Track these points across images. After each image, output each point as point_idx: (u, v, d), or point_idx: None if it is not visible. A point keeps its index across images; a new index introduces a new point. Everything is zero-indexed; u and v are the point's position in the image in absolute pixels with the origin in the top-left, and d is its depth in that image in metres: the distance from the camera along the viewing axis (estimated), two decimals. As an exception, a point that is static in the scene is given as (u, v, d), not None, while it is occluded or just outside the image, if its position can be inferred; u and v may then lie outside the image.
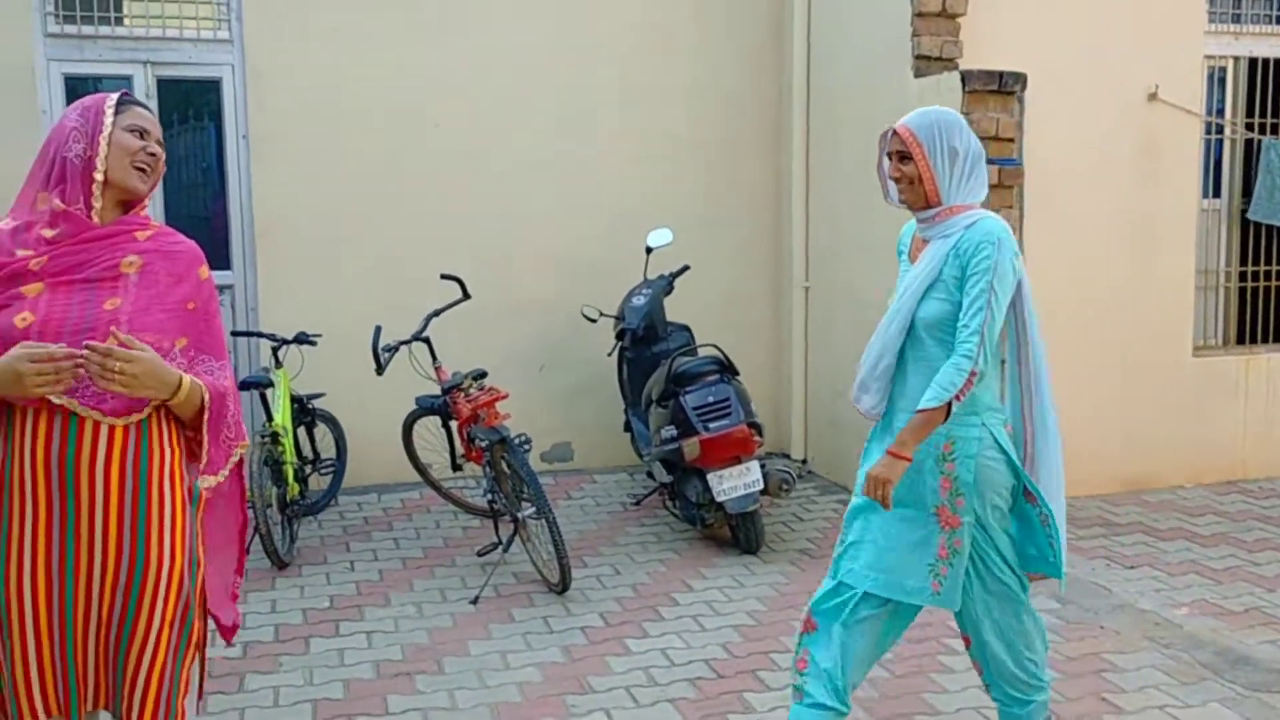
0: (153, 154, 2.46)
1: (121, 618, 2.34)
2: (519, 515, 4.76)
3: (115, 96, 2.47)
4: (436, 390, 5.27)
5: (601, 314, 6.08)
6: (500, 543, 4.91)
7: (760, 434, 5.14)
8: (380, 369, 5.08)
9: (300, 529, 5.41)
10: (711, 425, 5.06)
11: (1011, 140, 5.23)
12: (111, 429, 2.32)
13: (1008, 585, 2.89)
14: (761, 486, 5.07)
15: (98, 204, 2.41)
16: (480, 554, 5.01)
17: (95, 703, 2.39)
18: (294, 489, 5.24)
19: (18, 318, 2.29)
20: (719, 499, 5.06)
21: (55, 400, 2.26)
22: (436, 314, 5.35)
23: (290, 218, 6.08)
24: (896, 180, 2.86)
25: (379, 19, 6.13)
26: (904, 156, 2.82)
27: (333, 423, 5.90)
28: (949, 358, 2.75)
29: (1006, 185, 5.19)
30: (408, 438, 5.61)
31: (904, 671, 3.94)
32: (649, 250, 6.06)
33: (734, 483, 5.02)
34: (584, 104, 6.49)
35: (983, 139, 5.08)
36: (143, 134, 2.45)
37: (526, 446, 4.88)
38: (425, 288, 5.62)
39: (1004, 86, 5.18)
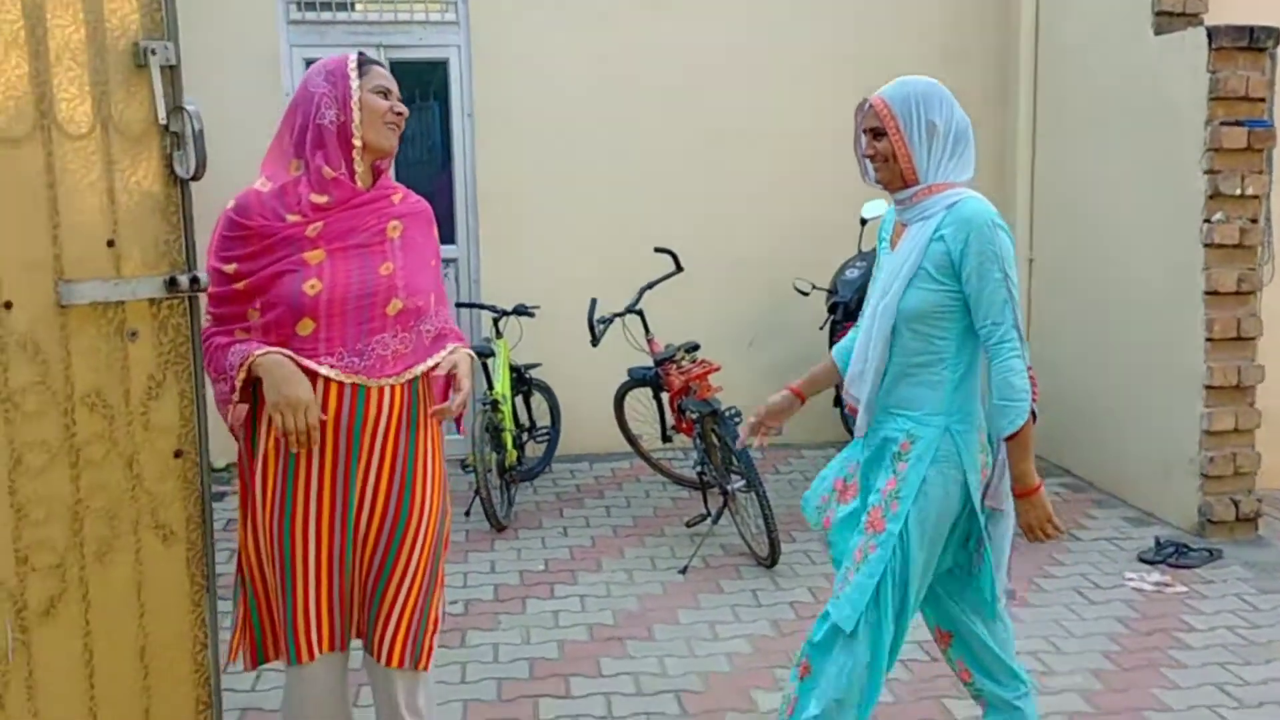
0: (400, 113, 2.52)
1: (383, 561, 2.52)
2: (728, 488, 4.78)
3: (355, 58, 2.50)
4: (648, 362, 5.33)
5: (814, 287, 6.00)
6: (709, 514, 4.95)
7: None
8: (595, 340, 5.18)
9: (517, 494, 5.59)
10: (926, 401, 4.92)
11: (1263, 100, 4.83)
12: (392, 390, 2.49)
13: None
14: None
15: (359, 168, 2.49)
16: (689, 525, 5.06)
17: (353, 634, 2.59)
18: (512, 455, 5.43)
19: (307, 285, 2.41)
20: (933, 477, 4.92)
21: (345, 380, 2.43)
22: (650, 286, 5.42)
23: (512, 193, 6.27)
24: (870, 158, 2.62)
25: (596, -5, 6.23)
26: (878, 133, 2.58)
27: (548, 392, 6.07)
28: (928, 350, 2.55)
29: (1256, 149, 4.80)
30: (619, 408, 5.71)
31: (1132, 665, 3.75)
32: (863, 221, 5.93)
33: (949, 461, 4.87)
34: (801, 71, 6.40)
35: (1231, 99, 4.77)
36: (386, 94, 2.50)
37: (737, 419, 4.88)
38: (640, 260, 5.69)
39: (1255, 42, 4.78)
